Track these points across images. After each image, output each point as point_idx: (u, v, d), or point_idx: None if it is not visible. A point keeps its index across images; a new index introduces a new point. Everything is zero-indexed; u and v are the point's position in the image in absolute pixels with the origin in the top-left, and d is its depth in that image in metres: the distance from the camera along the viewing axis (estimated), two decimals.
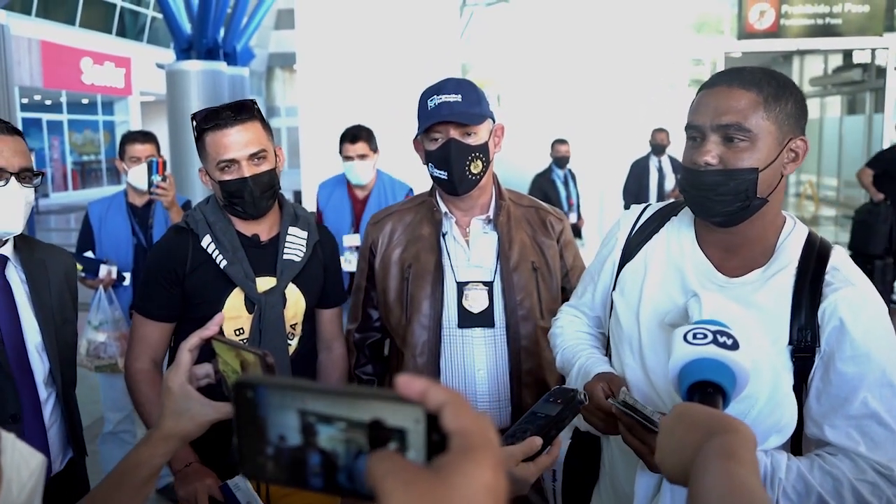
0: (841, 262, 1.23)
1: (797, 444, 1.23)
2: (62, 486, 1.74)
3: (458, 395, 0.49)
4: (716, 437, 0.78)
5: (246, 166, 1.76)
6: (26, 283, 1.73)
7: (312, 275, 1.93)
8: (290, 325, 1.89)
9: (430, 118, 1.76)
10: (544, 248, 1.91)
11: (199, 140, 1.80)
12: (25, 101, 17.98)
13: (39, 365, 1.71)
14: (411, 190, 3.78)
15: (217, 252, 1.81)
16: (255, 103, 1.83)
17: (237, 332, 1.83)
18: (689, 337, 0.98)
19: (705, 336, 0.98)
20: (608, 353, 1.48)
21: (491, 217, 1.89)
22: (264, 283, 1.84)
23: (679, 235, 1.36)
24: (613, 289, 1.43)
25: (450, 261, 1.87)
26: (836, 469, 1.13)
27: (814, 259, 1.23)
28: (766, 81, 1.21)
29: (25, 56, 16.18)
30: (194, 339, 1.04)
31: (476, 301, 1.84)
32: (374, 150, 3.68)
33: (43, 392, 1.71)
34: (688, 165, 1.26)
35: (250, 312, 1.82)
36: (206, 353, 1.06)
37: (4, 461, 0.69)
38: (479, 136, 1.78)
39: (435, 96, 1.77)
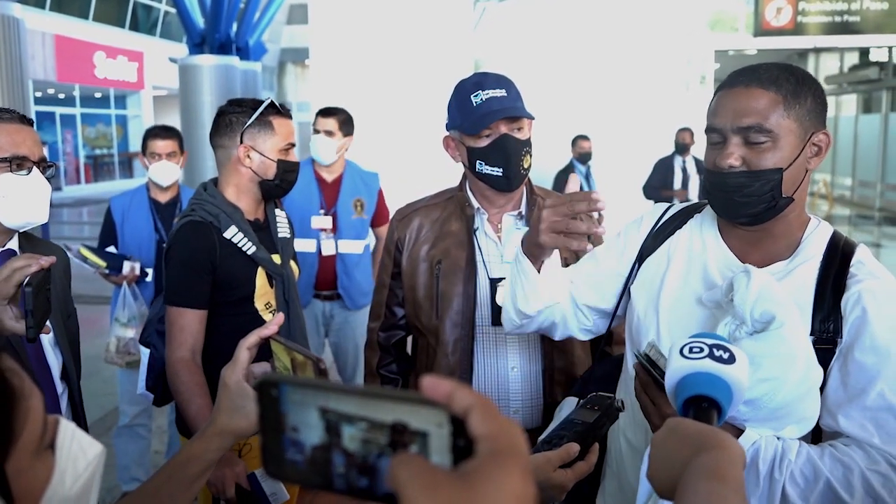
0: (866, 257, 1.24)
1: (815, 442, 1.20)
2: None
3: (485, 399, 0.47)
4: (702, 453, 0.77)
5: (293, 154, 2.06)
6: None
7: (293, 248, 2.23)
8: None
9: (489, 116, 1.68)
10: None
11: (267, 121, 1.98)
12: (39, 94, 18.07)
13: (54, 360, 1.72)
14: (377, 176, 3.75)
15: (244, 240, 1.96)
16: None
17: (267, 307, 2.03)
18: (686, 351, 0.97)
19: (701, 350, 0.96)
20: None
21: (523, 213, 1.86)
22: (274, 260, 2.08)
23: (702, 231, 1.36)
24: (632, 283, 1.42)
25: (482, 257, 1.83)
26: (847, 457, 1.11)
27: (839, 254, 1.24)
28: (785, 78, 1.20)
29: (39, 50, 16.26)
30: (253, 338, 1.04)
31: None
32: (346, 133, 3.57)
33: (59, 387, 1.72)
34: (711, 168, 1.25)
35: (271, 287, 2.04)
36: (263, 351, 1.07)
37: (60, 451, 0.68)
38: (524, 130, 1.74)
39: (479, 92, 1.70)
